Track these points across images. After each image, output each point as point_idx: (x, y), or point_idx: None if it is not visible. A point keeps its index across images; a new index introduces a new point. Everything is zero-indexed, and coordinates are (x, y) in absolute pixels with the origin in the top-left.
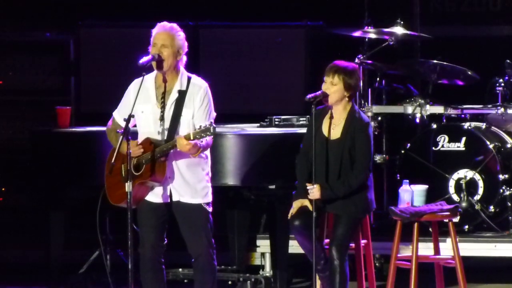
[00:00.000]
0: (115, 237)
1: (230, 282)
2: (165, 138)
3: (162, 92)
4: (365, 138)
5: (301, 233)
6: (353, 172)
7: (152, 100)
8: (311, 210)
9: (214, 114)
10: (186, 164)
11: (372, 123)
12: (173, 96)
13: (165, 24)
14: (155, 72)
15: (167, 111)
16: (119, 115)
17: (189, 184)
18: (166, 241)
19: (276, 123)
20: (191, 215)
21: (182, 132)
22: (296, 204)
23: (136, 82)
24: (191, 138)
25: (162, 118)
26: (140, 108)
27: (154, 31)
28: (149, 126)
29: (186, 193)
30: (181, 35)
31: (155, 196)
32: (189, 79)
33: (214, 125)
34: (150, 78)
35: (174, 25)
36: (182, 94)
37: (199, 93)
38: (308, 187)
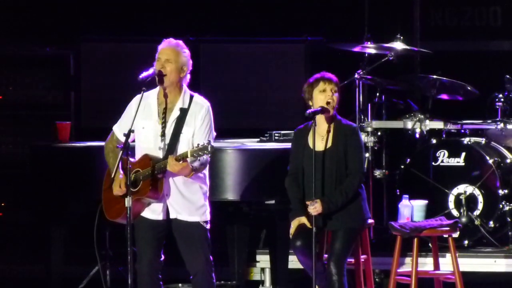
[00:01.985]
0: (115, 252)
1: None
2: (165, 155)
3: (164, 109)
4: (356, 142)
5: (303, 253)
6: (348, 178)
7: (154, 116)
8: (310, 228)
9: (214, 134)
10: (183, 181)
11: (372, 138)
12: (174, 114)
13: (171, 40)
14: (158, 88)
15: (168, 128)
16: (119, 130)
17: (187, 202)
18: (163, 258)
19: (276, 138)
20: (188, 233)
21: (181, 150)
22: (294, 224)
23: (138, 97)
24: (189, 156)
25: (163, 135)
26: (141, 123)
27: (160, 46)
28: (149, 142)
29: (183, 211)
30: (186, 52)
31: (152, 212)
32: (191, 97)
33: (212, 144)
34: (153, 94)
35: (180, 42)
36: (183, 112)
37: (200, 112)
38: (308, 204)
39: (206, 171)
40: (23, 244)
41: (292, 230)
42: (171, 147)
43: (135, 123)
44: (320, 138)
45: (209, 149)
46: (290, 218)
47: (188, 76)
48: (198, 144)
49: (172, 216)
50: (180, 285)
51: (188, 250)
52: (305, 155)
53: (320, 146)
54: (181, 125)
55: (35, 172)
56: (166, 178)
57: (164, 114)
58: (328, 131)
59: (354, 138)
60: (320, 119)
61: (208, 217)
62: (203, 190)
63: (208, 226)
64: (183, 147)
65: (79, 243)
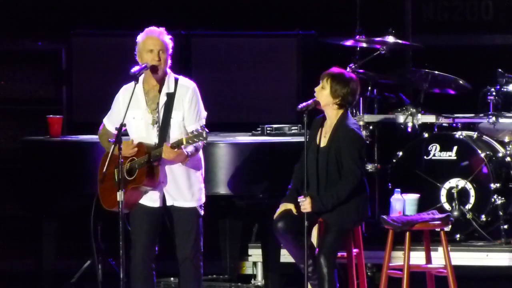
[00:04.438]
0: (108, 245)
1: None
2: (158, 142)
3: (152, 97)
4: (350, 143)
5: (283, 236)
6: (341, 180)
7: (142, 105)
8: (295, 214)
9: (204, 113)
10: (179, 168)
11: (364, 132)
12: (162, 100)
13: (155, 29)
14: (141, 77)
15: (157, 114)
16: (110, 123)
17: (183, 188)
18: (157, 247)
19: (268, 132)
20: (183, 218)
21: (174, 134)
22: (281, 207)
23: (125, 89)
24: (184, 143)
25: (154, 123)
26: (131, 114)
27: (146, 37)
28: (141, 132)
29: (180, 197)
30: (169, 37)
31: (148, 200)
32: (176, 80)
33: (207, 130)
34: (138, 84)
35: (162, 29)
36: (170, 97)
37: (187, 94)
38: (299, 200)
39: (201, 153)
40: (15, 238)
41: (276, 213)
42: (164, 133)
43: (127, 115)
44: (324, 134)
45: (204, 135)
46: (281, 202)
47: (169, 61)
48: (193, 131)
49: (168, 203)
50: (172, 279)
51: (180, 235)
52: (310, 148)
53: (321, 142)
54: (170, 110)
55: (27, 167)
56: (162, 166)
57: (153, 102)
58: (330, 128)
59: (347, 139)
60: (329, 115)
61: (203, 200)
62: (198, 173)
63: (202, 212)
64: (175, 132)
65: (71, 237)
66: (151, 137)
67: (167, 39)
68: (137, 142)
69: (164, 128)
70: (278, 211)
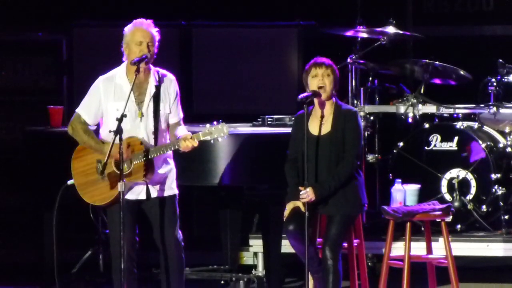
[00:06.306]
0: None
1: (222, 282)
2: (147, 134)
3: (138, 88)
4: (353, 126)
5: (295, 237)
6: (341, 162)
7: (129, 97)
8: (304, 213)
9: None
10: (160, 160)
11: (365, 123)
12: (149, 92)
13: (144, 21)
14: (122, 68)
15: (145, 107)
16: (86, 115)
17: (165, 178)
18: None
19: (269, 122)
20: (166, 206)
21: (161, 127)
22: (289, 206)
23: (106, 79)
24: (201, 138)
25: (141, 115)
26: (114, 106)
27: (134, 29)
28: (125, 124)
29: (163, 188)
30: (155, 30)
31: (131, 193)
32: (158, 73)
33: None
34: (119, 75)
35: (150, 21)
36: (157, 89)
37: (171, 86)
38: (301, 192)
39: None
40: (16, 229)
41: (286, 212)
42: (154, 126)
43: (107, 107)
44: (323, 122)
45: (225, 130)
46: (286, 201)
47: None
48: (209, 125)
49: (153, 195)
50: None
51: (165, 222)
52: (305, 139)
53: (322, 130)
54: (158, 103)
55: (28, 157)
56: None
57: (139, 94)
58: (328, 116)
59: (352, 122)
60: (320, 104)
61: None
62: (172, 161)
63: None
64: (162, 124)
65: (72, 228)
66: (136, 130)
67: (155, 31)
68: (128, 136)
69: (154, 121)
70: (287, 211)
